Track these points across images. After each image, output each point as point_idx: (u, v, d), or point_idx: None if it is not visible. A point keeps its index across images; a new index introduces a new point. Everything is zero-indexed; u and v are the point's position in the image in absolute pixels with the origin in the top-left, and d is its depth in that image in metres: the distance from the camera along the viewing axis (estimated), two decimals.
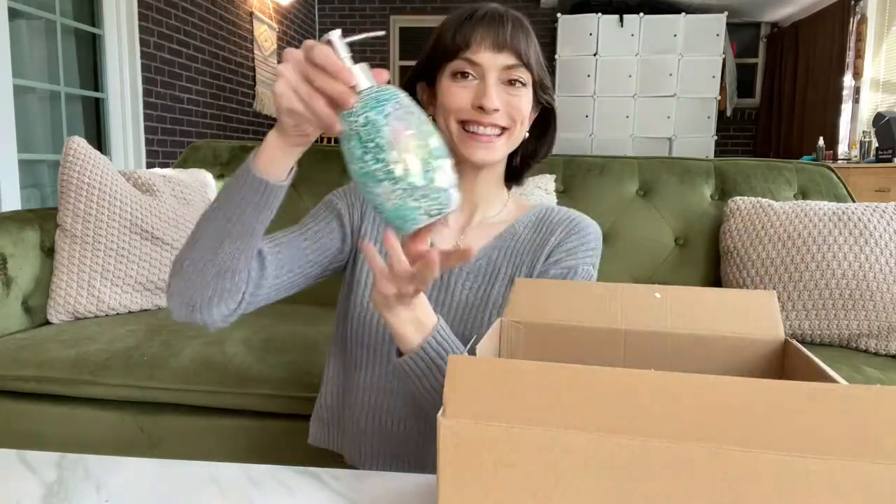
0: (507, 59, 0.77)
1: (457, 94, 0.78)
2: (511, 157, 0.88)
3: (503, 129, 0.79)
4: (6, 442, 1.32)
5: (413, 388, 0.70)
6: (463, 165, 0.81)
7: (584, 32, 5.42)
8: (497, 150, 0.79)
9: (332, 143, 6.29)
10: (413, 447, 0.82)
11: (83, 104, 3.17)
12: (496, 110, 0.76)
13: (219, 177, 1.94)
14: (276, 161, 0.62)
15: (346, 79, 0.52)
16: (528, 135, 0.85)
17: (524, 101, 0.79)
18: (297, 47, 0.54)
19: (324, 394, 0.90)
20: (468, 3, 0.83)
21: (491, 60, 0.76)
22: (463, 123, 0.78)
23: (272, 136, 0.61)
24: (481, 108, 0.76)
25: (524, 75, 0.78)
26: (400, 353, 0.69)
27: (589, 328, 0.59)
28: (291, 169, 0.65)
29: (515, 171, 0.90)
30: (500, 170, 0.87)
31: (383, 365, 0.82)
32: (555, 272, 0.81)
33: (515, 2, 5.99)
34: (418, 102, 0.85)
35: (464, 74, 0.77)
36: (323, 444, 0.90)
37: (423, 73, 0.83)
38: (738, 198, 1.66)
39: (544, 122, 0.88)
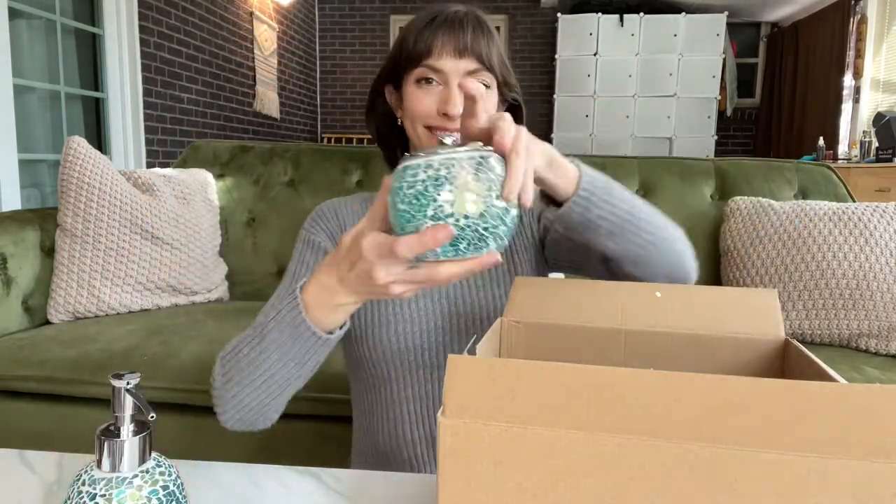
0: (468, 64, 0.78)
1: (421, 100, 0.79)
2: None
3: None
4: (6, 442, 1.32)
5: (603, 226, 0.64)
6: None
7: (584, 32, 5.42)
8: None
9: (332, 142, 6.28)
10: None
11: (83, 104, 3.17)
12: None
13: (219, 176, 1.94)
14: (337, 315, 0.61)
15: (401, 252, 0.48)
16: None
17: (489, 101, 0.80)
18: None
19: (358, 425, 0.90)
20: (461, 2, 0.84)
21: (453, 66, 0.77)
22: (429, 129, 0.79)
23: (337, 296, 0.59)
24: (446, 115, 0.77)
25: (487, 78, 0.79)
26: (557, 203, 0.64)
27: (589, 328, 0.59)
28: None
29: None
30: None
31: (416, 372, 0.81)
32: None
33: (516, 2, 5.99)
34: (387, 105, 0.87)
35: (427, 80, 0.79)
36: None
37: (389, 76, 0.84)
38: (738, 198, 1.66)
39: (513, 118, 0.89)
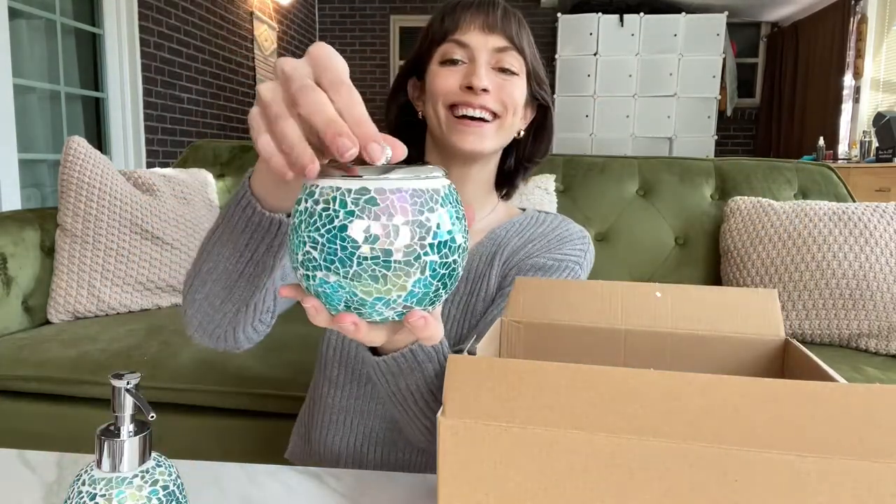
0: (497, 41, 0.73)
1: (445, 78, 0.73)
2: (503, 159, 0.83)
3: (494, 115, 0.73)
4: (6, 442, 1.32)
5: (384, 387, 0.58)
6: (452, 162, 0.77)
7: (585, 32, 5.42)
8: (487, 138, 0.74)
9: None
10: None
11: (83, 104, 3.17)
12: (485, 90, 0.72)
13: (219, 176, 1.94)
14: (278, 191, 0.50)
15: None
16: (522, 133, 0.81)
17: (516, 88, 0.74)
18: (296, 47, 0.42)
19: (305, 408, 0.86)
20: None
21: (481, 41, 0.72)
22: (451, 108, 0.73)
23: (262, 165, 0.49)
24: (470, 89, 0.72)
25: (516, 62, 0.74)
26: (375, 350, 0.55)
27: (589, 328, 0.59)
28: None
29: (508, 175, 0.85)
30: (491, 171, 0.82)
31: (361, 386, 0.78)
32: (534, 262, 0.75)
33: (515, 2, 5.99)
34: (408, 99, 0.82)
35: (453, 61, 0.73)
36: (298, 461, 0.84)
37: (413, 68, 0.80)
38: (738, 198, 1.66)
39: (541, 122, 0.83)
